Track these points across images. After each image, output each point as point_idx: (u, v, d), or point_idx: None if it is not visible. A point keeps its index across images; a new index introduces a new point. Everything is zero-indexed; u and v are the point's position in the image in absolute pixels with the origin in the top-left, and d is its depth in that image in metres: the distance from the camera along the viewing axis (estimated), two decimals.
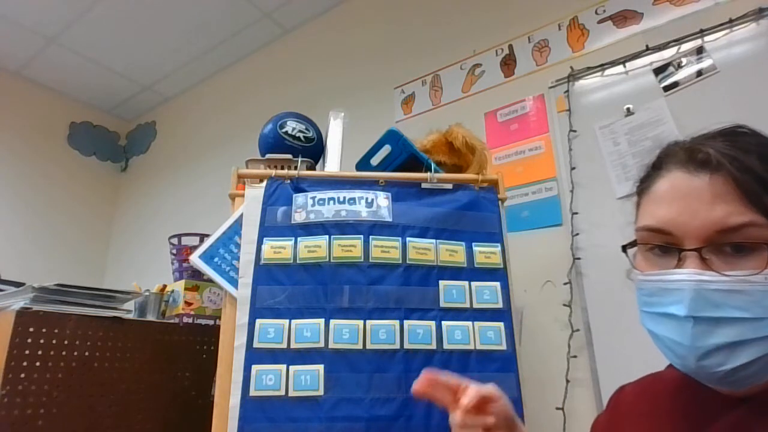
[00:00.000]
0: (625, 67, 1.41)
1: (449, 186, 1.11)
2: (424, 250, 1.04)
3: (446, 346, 0.97)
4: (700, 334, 0.44)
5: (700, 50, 1.29)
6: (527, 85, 1.62)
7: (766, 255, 0.42)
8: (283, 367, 0.94)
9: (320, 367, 0.94)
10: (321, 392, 0.92)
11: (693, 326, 0.44)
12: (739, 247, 0.43)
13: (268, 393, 0.92)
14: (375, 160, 1.20)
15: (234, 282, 1.03)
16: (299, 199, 1.08)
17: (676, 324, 0.45)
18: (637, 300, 0.51)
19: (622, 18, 1.47)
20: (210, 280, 1.12)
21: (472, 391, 0.55)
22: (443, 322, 0.99)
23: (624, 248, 0.52)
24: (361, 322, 0.97)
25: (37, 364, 1.08)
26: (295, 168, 1.14)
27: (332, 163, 1.25)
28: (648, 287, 0.49)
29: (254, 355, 0.95)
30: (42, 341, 1.10)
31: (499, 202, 1.11)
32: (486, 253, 1.05)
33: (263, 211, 1.07)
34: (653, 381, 0.60)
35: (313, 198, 1.08)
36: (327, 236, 1.04)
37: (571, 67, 1.51)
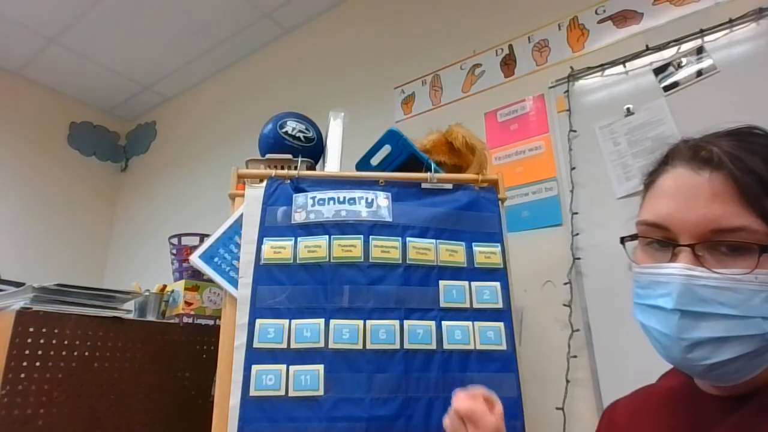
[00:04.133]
0: (625, 67, 1.41)
1: (449, 186, 1.11)
2: (424, 250, 1.04)
3: (446, 346, 0.97)
4: (686, 327, 0.45)
5: (700, 50, 1.29)
6: (527, 85, 1.62)
7: (757, 256, 0.42)
8: (283, 367, 0.94)
9: (320, 367, 0.94)
10: (321, 392, 0.92)
11: (679, 319, 0.45)
12: (734, 246, 0.44)
13: (268, 393, 0.92)
14: (375, 160, 1.20)
15: (234, 282, 1.03)
16: (299, 199, 1.08)
17: (663, 316, 0.46)
18: (633, 292, 0.51)
19: (622, 18, 1.47)
20: (210, 280, 1.12)
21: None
22: (443, 322, 0.99)
23: (622, 240, 0.53)
24: (361, 322, 0.97)
25: (37, 364, 1.08)
26: (295, 168, 1.14)
27: (332, 163, 1.25)
28: (642, 280, 0.49)
29: (254, 355, 0.95)
30: (42, 341, 1.10)
31: (499, 202, 1.11)
32: (486, 253, 1.05)
33: (263, 211, 1.07)
34: (647, 394, 0.61)
35: (313, 198, 1.08)
36: (327, 236, 1.04)
37: (571, 67, 1.51)
